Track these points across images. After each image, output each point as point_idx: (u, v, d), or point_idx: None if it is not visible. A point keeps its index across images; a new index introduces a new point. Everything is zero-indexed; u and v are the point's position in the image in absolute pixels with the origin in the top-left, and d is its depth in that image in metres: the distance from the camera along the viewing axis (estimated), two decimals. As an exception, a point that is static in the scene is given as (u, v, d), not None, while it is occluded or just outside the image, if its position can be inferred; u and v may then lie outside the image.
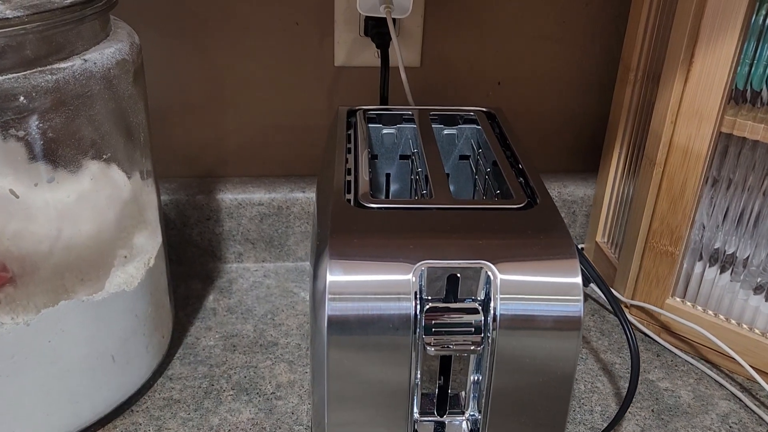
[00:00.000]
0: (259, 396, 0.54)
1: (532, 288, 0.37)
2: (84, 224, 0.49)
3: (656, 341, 0.61)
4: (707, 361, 0.59)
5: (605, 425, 0.53)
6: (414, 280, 0.37)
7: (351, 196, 0.43)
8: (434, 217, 0.40)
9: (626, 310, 0.64)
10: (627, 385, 0.57)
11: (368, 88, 0.68)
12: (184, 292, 0.67)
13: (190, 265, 0.71)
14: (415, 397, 0.39)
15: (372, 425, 0.40)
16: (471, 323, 0.37)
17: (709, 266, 0.59)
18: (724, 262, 0.58)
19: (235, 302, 0.66)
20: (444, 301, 0.38)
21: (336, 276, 0.37)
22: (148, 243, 0.55)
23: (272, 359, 0.58)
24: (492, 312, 0.37)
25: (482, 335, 0.37)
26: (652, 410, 0.54)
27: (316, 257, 0.39)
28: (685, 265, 0.59)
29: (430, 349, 0.37)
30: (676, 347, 0.60)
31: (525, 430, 0.40)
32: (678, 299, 0.60)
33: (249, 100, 0.69)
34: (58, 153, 0.45)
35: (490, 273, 0.37)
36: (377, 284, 0.37)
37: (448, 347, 0.37)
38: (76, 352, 0.48)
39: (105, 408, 0.51)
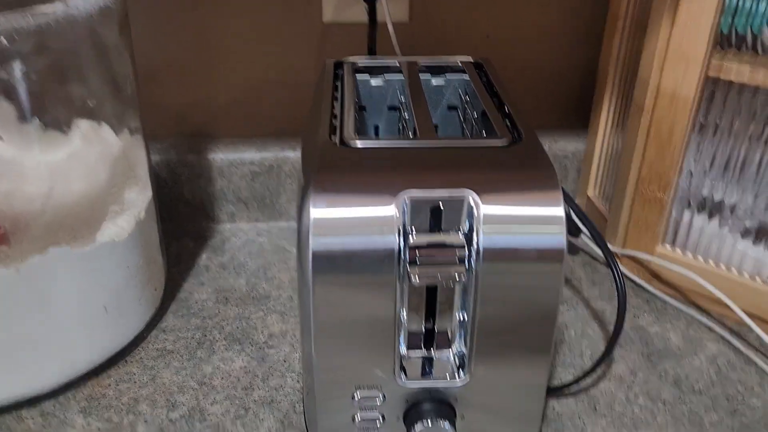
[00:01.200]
0: (252, 345, 0.55)
1: (514, 219, 0.37)
2: (75, 183, 0.49)
3: (646, 289, 0.62)
4: (697, 306, 0.60)
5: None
6: (397, 211, 0.37)
7: (337, 139, 0.43)
8: (419, 153, 0.40)
9: (618, 261, 0.64)
10: (616, 330, 0.57)
11: (357, 44, 0.68)
12: (176, 250, 0.67)
13: (182, 223, 0.71)
14: (402, 333, 0.40)
15: (360, 362, 0.40)
16: (455, 253, 0.37)
17: (698, 213, 0.59)
18: (712, 209, 0.58)
19: (228, 259, 0.66)
20: (428, 233, 0.38)
21: (319, 211, 0.37)
22: (138, 198, 0.55)
23: (264, 311, 0.59)
24: (475, 244, 0.37)
25: (466, 264, 0.37)
26: (641, 353, 0.55)
27: (301, 195, 0.39)
28: (673, 213, 0.60)
29: (415, 280, 0.37)
30: (666, 294, 0.61)
31: (511, 363, 0.41)
32: (668, 246, 0.60)
33: (237, 57, 0.68)
34: (43, 101, 0.45)
35: (473, 202, 0.37)
36: (361, 217, 0.37)
37: (432, 277, 0.37)
38: (68, 301, 0.48)
39: (99, 358, 0.51)
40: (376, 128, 0.58)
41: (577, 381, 0.49)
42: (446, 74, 0.55)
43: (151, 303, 0.56)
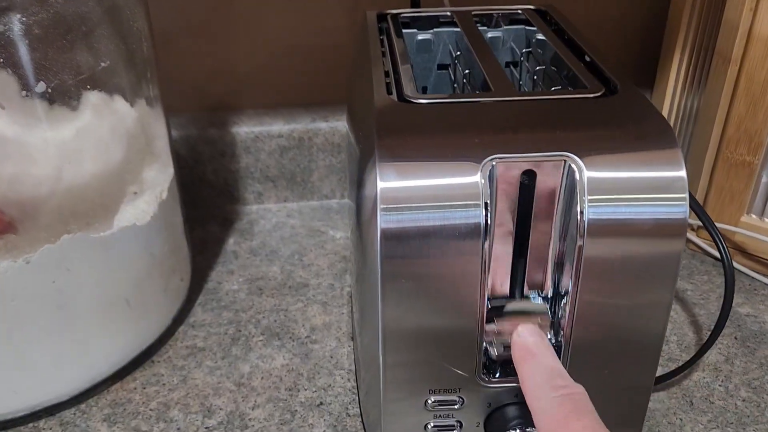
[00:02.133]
0: (293, 340, 0.49)
1: (625, 186, 0.31)
2: (87, 162, 0.43)
3: (729, 265, 0.55)
4: (790, 283, 0.53)
5: (683, 355, 0.47)
6: (482, 180, 0.30)
7: (394, 96, 0.36)
8: (498, 109, 0.34)
9: (693, 233, 0.57)
10: (702, 312, 0.51)
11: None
12: (200, 236, 0.61)
13: (206, 207, 0.65)
14: (485, 325, 0.33)
15: (435, 360, 0.34)
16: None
17: (790, 178, 0.52)
18: (808, 172, 0.51)
19: (258, 244, 0.60)
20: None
21: (388, 182, 0.30)
22: (159, 176, 0.48)
23: (304, 301, 0.53)
24: (578, 218, 0.31)
25: (564, 238, 0.31)
26: (736, 337, 0.48)
27: (361, 162, 0.32)
28: (764, 178, 0.52)
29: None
30: (754, 270, 0.54)
31: (613, 358, 0.34)
32: (755, 216, 0.53)
33: (261, 19, 0.61)
34: (47, 70, 0.39)
35: (574, 166, 0.30)
36: (438, 189, 0.30)
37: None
38: (86, 294, 0.42)
39: (122, 358, 0.45)
40: (424, 90, 0.51)
41: (676, 373, 0.43)
42: (505, 25, 0.48)
43: (177, 295, 0.50)
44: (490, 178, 0.31)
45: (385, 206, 0.30)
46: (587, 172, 0.31)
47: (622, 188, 0.31)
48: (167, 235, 0.48)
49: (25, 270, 0.39)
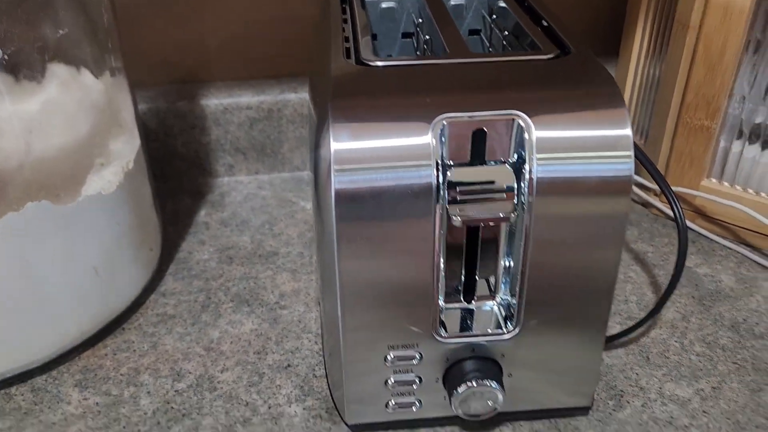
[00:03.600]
0: (262, 306, 0.50)
1: (572, 143, 0.32)
2: (54, 135, 0.43)
3: (690, 228, 0.56)
4: (747, 244, 0.54)
5: (642, 314, 0.48)
6: (434, 140, 0.31)
7: (352, 60, 0.36)
8: (452, 71, 0.34)
9: (656, 198, 0.59)
10: (661, 273, 0.52)
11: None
12: (172, 208, 0.61)
13: (177, 179, 0.65)
14: (440, 282, 0.34)
15: (392, 318, 0.35)
16: (502, 187, 0.32)
17: (749, 143, 0.53)
18: (767, 137, 0.52)
19: (229, 215, 0.60)
20: (469, 164, 0.32)
21: (342, 143, 0.31)
22: (126, 147, 0.49)
23: (273, 269, 0.53)
24: (526, 176, 0.32)
25: (515, 200, 0.32)
26: (692, 297, 0.50)
27: (317, 125, 0.33)
28: (722, 143, 0.54)
29: (456, 219, 0.32)
30: (712, 232, 0.55)
31: (565, 312, 0.35)
32: (714, 180, 0.55)
33: (227, -11, 0.61)
34: (7, 42, 0.38)
35: (523, 124, 0.31)
36: (391, 149, 0.31)
37: (475, 216, 0.32)
38: (53, 263, 0.42)
39: (92, 327, 0.46)
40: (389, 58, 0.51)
41: (632, 329, 0.44)
42: (467, -8, 0.49)
43: (147, 265, 0.51)
44: (441, 138, 0.31)
45: (339, 167, 0.31)
46: (536, 131, 0.31)
47: (570, 146, 0.32)
48: (135, 206, 0.49)
49: (-12, 238, 0.39)
